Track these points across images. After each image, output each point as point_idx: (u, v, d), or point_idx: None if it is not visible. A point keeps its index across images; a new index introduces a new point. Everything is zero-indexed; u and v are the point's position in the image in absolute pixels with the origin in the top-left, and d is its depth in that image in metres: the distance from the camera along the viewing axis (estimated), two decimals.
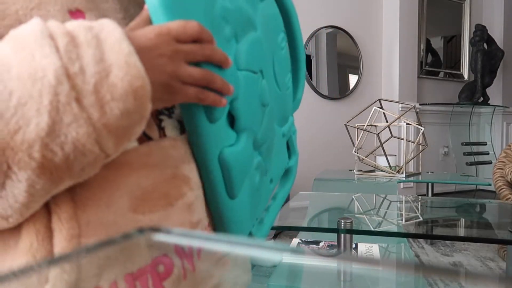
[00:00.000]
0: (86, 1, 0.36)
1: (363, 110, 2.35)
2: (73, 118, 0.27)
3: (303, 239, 1.47)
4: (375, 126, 2.22)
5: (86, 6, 0.36)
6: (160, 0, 0.35)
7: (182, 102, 0.37)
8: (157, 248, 0.35)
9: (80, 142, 0.28)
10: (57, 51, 0.27)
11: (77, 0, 0.36)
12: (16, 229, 0.31)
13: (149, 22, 0.36)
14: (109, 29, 0.30)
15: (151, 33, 0.34)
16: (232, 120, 0.46)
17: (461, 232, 1.38)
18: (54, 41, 0.28)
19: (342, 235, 1.21)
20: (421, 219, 1.48)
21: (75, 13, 0.35)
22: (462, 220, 1.50)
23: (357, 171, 2.31)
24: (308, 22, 3.04)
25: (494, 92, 3.85)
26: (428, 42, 3.75)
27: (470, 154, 3.60)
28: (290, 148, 0.66)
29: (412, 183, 3.34)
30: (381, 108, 2.27)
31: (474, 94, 3.55)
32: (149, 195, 0.36)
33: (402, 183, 3.30)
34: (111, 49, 0.29)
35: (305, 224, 1.37)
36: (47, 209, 0.31)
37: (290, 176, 0.67)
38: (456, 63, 3.99)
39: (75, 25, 0.30)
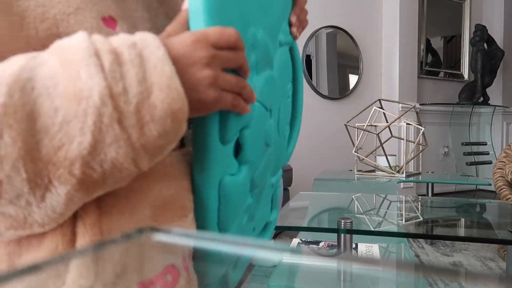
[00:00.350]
0: (119, 9, 0.37)
1: (363, 110, 2.35)
2: (114, 139, 0.28)
3: (303, 239, 1.47)
4: (375, 126, 2.22)
5: (118, 14, 0.37)
6: (204, 6, 0.35)
7: (218, 109, 0.37)
8: (167, 256, 0.36)
9: (119, 161, 0.29)
10: (102, 71, 0.28)
11: (111, 7, 0.36)
12: None
13: (186, 25, 0.36)
14: (152, 47, 0.31)
15: (188, 39, 0.34)
16: (236, 150, 0.44)
17: (461, 232, 1.38)
18: (100, 60, 0.28)
19: (342, 235, 1.21)
20: (421, 219, 1.48)
21: (108, 20, 0.36)
22: (462, 220, 1.50)
23: (357, 171, 2.31)
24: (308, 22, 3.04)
25: (494, 92, 3.85)
26: (428, 42, 3.75)
27: (470, 154, 3.60)
28: (272, 202, 0.64)
29: (412, 183, 3.34)
30: (381, 108, 2.28)
31: (474, 94, 3.55)
32: (168, 206, 0.37)
33: (402, 183, 3.31)
34: (153, 68, 0.30)
35: (305, 224, 1.37)
36: (74, 213, 0.32)
37: (268, 231, 0.63)
38: (456, 63, 3.99)
39: (120, 42, 0.30)
